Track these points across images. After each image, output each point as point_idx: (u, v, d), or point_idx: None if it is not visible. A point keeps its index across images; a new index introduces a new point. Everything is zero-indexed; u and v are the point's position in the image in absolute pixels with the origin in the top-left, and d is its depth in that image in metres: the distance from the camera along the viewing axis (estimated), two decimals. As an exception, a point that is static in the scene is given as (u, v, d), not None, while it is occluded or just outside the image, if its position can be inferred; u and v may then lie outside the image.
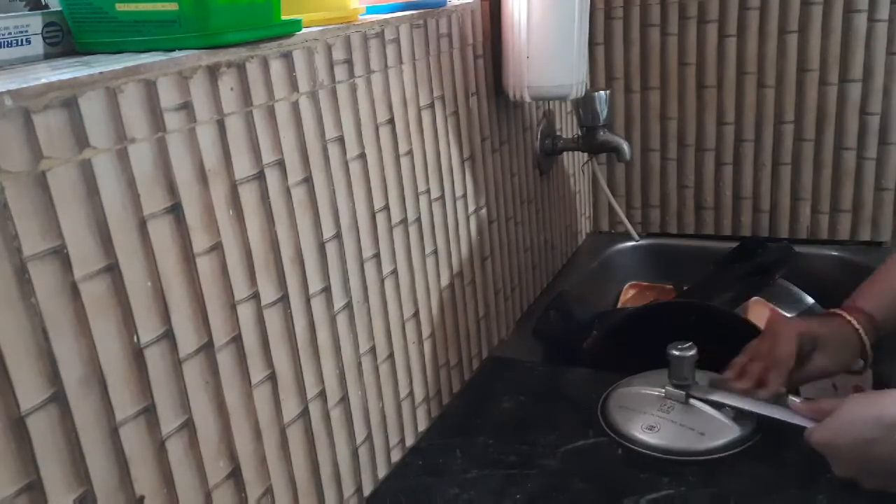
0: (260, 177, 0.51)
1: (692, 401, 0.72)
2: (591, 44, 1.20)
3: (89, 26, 0.49)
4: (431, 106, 0.72)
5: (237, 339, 0.50)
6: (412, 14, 0.68)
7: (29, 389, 0.37)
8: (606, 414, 0.75)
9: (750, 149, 1.18)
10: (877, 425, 0.57)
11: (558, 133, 1.07)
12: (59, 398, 0.38)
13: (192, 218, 0.46)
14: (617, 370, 0.83)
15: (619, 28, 1.20)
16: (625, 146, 0.99)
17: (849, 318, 0.73)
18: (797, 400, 0.66)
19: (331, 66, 0.57)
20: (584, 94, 0.86)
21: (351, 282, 0.62)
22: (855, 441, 0.58)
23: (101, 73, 0.40)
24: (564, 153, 1.09)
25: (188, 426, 0.46)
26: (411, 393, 0.72)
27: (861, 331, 0.72)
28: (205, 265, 0.47)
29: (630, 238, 1.24)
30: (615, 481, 0.66)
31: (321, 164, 0.57)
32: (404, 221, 0.69)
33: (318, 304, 0.58)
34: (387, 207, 0.66)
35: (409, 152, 0.69)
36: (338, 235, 0.60)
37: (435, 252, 0.75)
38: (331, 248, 0.59)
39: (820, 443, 0.60)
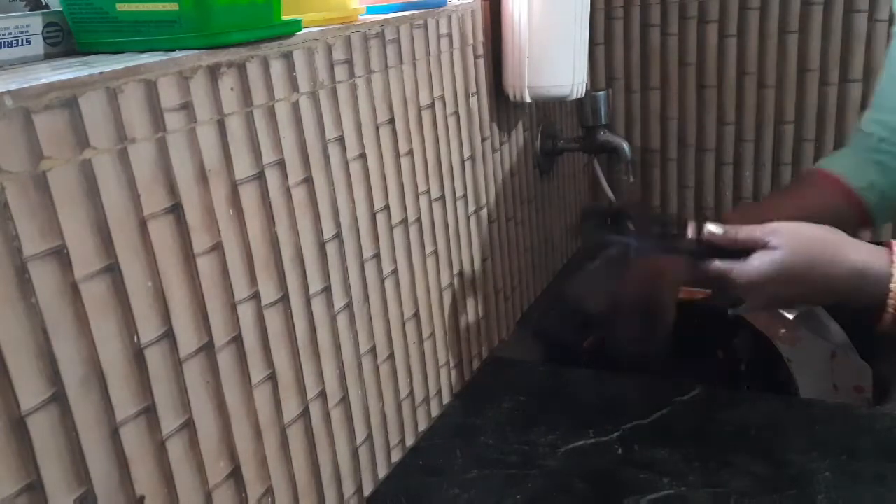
0: (260, 177, 0.51)
1: None
2: (592, 44, 1.20)
3: (90, 26, 0.49)
4: (432, 106, 0.72)
5: (237, 339, 0.50)
6: (412, 14, 0.68)
7: (29, 389, 0.37)
8: None
9: (750, 149, 1.18)
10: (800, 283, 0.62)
11: (558, 133, 1.07)
12: (59, 398, 0.38)
13: (193, 218, 0.46)
14: (617, 370, 0.83)
15: (619, 28, 1.20)
16: (625, 147, 0.99)
17: None
18: (717, 230, 0.66)
19: (331, 66, 0.58)
20: (584, 94, 0.86)
21: (351, 282, 0.62)
22: (794, 295, 0.64)
23: (101, 73, 0.40)
24: (564, 153, 1.09)
25: (188, 426, 0.46)
26: (411, 393, 0.72)
27: None
28: (205, 265, 0.47)
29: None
30: (615, 481, 0.66)
31: (321, 164, 0.57)
32: (404, 221, 0.69)
33: (318, 304, 0.58)
34: (387, 207, 0.66)
35: (410, 152, 0.69)
36: (338, 235, 0.60)
37: (435, 252, 0.75)
38: (331, 248, 0.59)
39: (745, 280, 0.64)
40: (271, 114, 0.52)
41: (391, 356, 0.68)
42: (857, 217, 0.80)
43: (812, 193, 0.81)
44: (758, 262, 0.63)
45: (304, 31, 0.55)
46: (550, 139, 1.03)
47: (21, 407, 0.37)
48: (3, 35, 0.47)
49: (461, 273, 0.81)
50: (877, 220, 0.82)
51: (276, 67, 0.52)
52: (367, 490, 0.66)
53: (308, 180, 0.56)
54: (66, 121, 0.38)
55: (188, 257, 0.46)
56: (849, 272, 0.61)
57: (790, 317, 0.97)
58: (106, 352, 0.41)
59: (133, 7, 0.47)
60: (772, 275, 0.62)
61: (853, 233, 0.70)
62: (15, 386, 0.36)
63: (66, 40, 0.50)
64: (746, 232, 0.64)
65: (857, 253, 0.62)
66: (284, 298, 0.54)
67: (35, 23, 0.49)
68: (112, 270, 0.41)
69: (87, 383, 0.40)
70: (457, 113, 0.77)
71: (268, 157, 0.52)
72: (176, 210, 0.45)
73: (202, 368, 0.47)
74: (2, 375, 0.36)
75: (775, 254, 0.62)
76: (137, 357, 0.43)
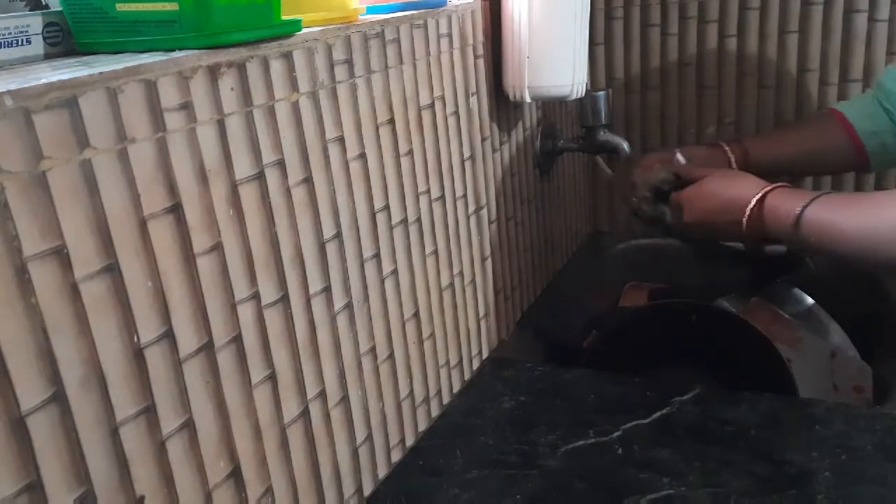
0: (260, 177, 0.51)
1: None
2: (592, 44, 1.20)
3: (90, 26, 0.49)
4: (431, 106, 0.72)
5: (237, 339, 0.50)
6: (412, 14, 0.68)
7: (29, 389, 0.37)
8: None
9: (750, 149, 1.18)
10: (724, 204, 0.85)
11: (558, 133, 1.07)
12: (59, 398, 0.38)
13: (193, 218, 0.46)
14: (617, 370, 0.83)
15: (619, 28, 1.20)
16: (625, 147, 0.99)
17: (725, 147, 1.00)
18: (682, 160, 0.96)
19: (331, 66, 0.58)
20: (584, 94, 0.86)
21: (351, 282, 0.62)
22: (705, 210, 0.87)
23: (101, 73, 0.40)
24: (564, 153, 1.09)
25: (188, 426, 0.46)
26: (411, 393, 0.72)
27: (731, 157, 0.99)
28: (205, 265, 0.47)
29: (630, 240, 1.24)
30: (615, 481, 0.66)
31: (321, 164, 0.57)
32: (404, 221, 0.69)
33: (318, 304, 0.58)
34: (387, 207, 0.66)
35: (410, 152, 0.69)
36: (338, 235, 0.60)
37: (435, 252, 0.75)
38: (331, 248, 0.59)
39: (684, 198, 0.90)
40: (271, 114, 0.52)
41: (391, 356, 0.68)
42: (857, 158, 0.98)
43: (822, 130, 1.00)
44: (692, 186, 0.89)
45: (304, 31, 0.55)
46: (550, 139, 1.03)
47: (21, 407, 0.37)
48: (3, 35, 0.47)
49: (461, 273, 0.81)
50: (873, 166, 0.99)
51: (276, 67, 0.52)
52: (367, 490, 0.66)
53: (308, 180, 0.56)
54: (66, 121, 0.38)
55: (188, 257, 0.46)
56: (734, 196, 0.84)
57: (789, 317, 0.97)
58: (106, 352, 0.41)
59: (133, 7, 0.47)
60: (697, 193, 0.88)
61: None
62: (15, 386, 0.36)
63: (66, 40, 0.50)
64: (697, 171, 0.91)
65: (746, 185, 0.84)
66: (284, 298, 0.54)
67: (35, 23, 0.49)
68: (112, 270, 0.41)
69: (87, 383, 0.40)
70: (457, 113, 0.77)
71: (268, 157, 0.52)
72: (176, 210, 0.45)
73: (202, 368, 0.47)
74: (2, 375, 0.36)
75: (703, 181, 0.88)
76: (137, 357, 0.43)
